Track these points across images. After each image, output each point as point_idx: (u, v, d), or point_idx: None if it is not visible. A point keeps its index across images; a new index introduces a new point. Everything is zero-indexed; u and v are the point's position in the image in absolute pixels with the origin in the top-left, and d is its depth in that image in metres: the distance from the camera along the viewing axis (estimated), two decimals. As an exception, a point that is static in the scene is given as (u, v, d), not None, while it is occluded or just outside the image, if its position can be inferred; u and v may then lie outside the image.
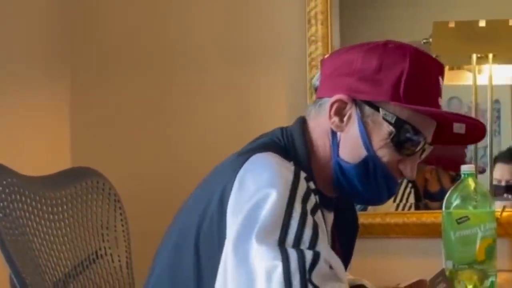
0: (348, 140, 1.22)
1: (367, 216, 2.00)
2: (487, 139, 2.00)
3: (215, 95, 2.13)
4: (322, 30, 2.03)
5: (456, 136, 1.27)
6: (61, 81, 2.18)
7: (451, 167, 2.04)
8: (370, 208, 2.04)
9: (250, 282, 1.02)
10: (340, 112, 1.22)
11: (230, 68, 2.12)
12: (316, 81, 1.30)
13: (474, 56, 1.99)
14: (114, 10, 2.21)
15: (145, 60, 2.18)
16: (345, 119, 1.22)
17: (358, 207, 2.03)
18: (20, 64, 1.99)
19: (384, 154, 1.21)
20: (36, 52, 2.06)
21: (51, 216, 1.46)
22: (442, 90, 1.25)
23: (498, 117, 2.05)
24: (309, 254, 1.02)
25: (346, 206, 1.36)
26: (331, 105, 1.22)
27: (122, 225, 1.63)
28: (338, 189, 1.26)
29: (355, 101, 1.21)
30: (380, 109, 1.20)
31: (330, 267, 1.04)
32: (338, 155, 1.23)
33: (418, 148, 1.23)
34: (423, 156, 1.27)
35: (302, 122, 1.27)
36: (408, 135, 1.21)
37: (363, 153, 1.21)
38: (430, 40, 1.99)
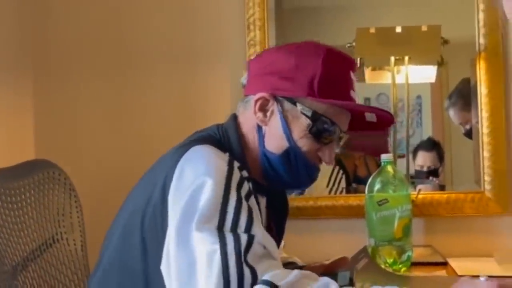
0: (272, 133, 1.23)
1: (300, 199, 2.00)
2: (408, 130, 2.03)
3: (164, 93, 2.10)
4: (260, 35, 2.02)
5: (370, 124, 1.29)
6: (24, 80, 2.13)
7: (375, 154, 2.05)
8: (306, 191, 2.04)
9: (192, 265, 1.01)
10: (263, 108, 1.22)
11: (178, 68, 2.10)
12: (243, 80, 1.29)
13: (392, 58, 2.01)
14: (72, 14, 2.15)
15: (101, 60, 2.14)
16: (268, 114, 1.22)
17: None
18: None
19: (304, 144, 1.22)
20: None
21: (10, 205, 1.43)
22: (355, 84, 1.25)
23: (420, 111, 2.07)
24: (244, 237, 1.01)
25: (278, 192, 1.36)
26: (255, 102, 1.22)
27: (77, 212, 1.61)
28: (266, 177, 1.25)
29: (276, 98, 1.22)
30: (298, 104, 1.21)
31: (264, 247, 1.04)
32: (264, 147, 1.24)
33: (334, 137, 1.24)
34: (341, 143, 1.29)
35: (234, 118, 1.27)
36: (324, 126, 1.22)
37: (285, 144, 1.22)
38: (354, 44, 1.99)
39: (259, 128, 1.23)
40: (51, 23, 2.16)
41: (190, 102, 2.09)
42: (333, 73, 1.21)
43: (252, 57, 1.33)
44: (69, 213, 1.58)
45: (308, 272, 1.02)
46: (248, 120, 1.25)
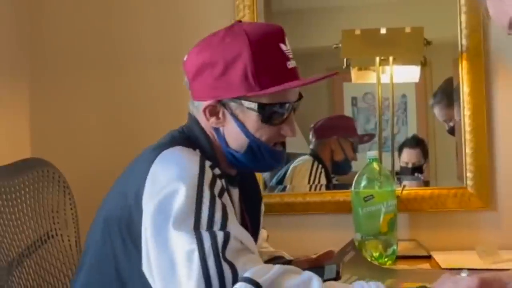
0: (230, 132, 1.22)
1: (289, 196, 2.00)
2: (393, 128, 2.04)
3: (154, 93, 2.10)
4: (249, 36, 2.02)
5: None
6: (20, 80, 2.11)
7: (347, 134, 2.08)
8: (290, 189, 2.06)
9: (172, 266, 1.00)
10: (213, 113, 1.21)
11: (167, 69, 2.08)
12: (186, 83, 1.28)
13: (378, 59, 2.00)
14: (67, 17, 2.14)
15: (95, 61, 2.13)
16: (220, 116, 1.21)
17: (278, 187, 2.06)
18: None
19: (262, 134, 1.21)
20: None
21: (5, 203, 1.42)
22: (289, 51, 1.20)
23: (405, 109, 2.07)
24: (220, 235, 1.01)
25: (249, 181, 1.35)
26: (204, 111, 1.21)
27: (71, 209, 1.61)
28: (235, 168, 1.26)
29: (221, 102, 1.20)
30: (243, 102, 1.18)
31: (241, 242, 1.03)
32: (228, 146, 1.23)
33: (287, 113, 1.21)
34: (297, 110, 1.25)
35: (194, 118, 1.26)
36: (273, 112, 1.19)
37: (245, 140, 1.21)
38: (340, 45, 1.99)
39: (217, 129, 1.22)
40: (46, 26, 2.15)
41: (179, 101, 2.06)
42: (263, 56, 1.16)
43: (185, 57, 1.27)
44: (63, 210, 1.57)
45: (290, 266, 1.02)
46: (205, 122, 1.23)
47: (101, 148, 2.10)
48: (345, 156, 2.05)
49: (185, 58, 1.26)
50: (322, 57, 2.06)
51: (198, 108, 1.23)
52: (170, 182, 1.06)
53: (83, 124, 2.12)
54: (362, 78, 2.10)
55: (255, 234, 1.33)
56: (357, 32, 2.00)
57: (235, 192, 1.24)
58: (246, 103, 1.18)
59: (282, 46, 1.19)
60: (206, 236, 1.00)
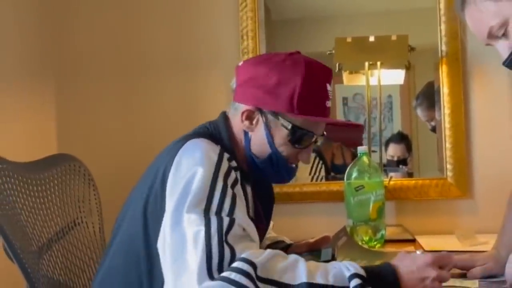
0: (256, 139, 1.22)
1: (288, 186, 1.98)
2: (381, 125, 2.04)
3: (168, 94, 2.10)
4: (252, 44, 2.02)
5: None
6: (46, 85, 2.11)
7: (351, 145, 2.05)
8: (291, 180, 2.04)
9: (182, 243, 1.00)
10: (249, 118, 1.21)
11: (180, 73, 2.09)
12: (233, 85, 1.27)
13: (367, 63, 2.00)
14: (89, 26, 2.15)
15: (115, 66, 2.13)
16: (253, 122, 1.21)
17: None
18: (12, 71, 1.91)
19: (283, 150, 1.22)
20: (24, 61, 1.98)
21: (36, 194, 1.42)
22: (330, 93, 1.23)
23: (391, 108, 2.07)
24: (226, 220, 1.01)
25: (264, 181, 1.34)
26: (242, 113, 1.21)
27: (95, 199, 1.60)
28: (252, 170, 1.25)
29: (260, 110, 1.20)
30: (279, 118, 1.20)
31: (244, 230, 1.03)
32: (250, 150, 1.23)
33: (310, 142, 1.23)
34: (318, 143, 1.29)
35: (225, 117, 1.26)
36: (302, 136, 1.21)
37: (268, 150, 1.22)
38: (333, 51, 1.99)
39: (246, 133, 1.23)
40: (70, 34, 2.15)
41: (190, 102, 2.08)
42: (311, 89, 1.18)
43: (240, 63, 1.28)
44: (88, 199, 1.57)
45: (278, 251, 1.02)
46: (237, 123, 1.23)
47: (121, 144, 2.10)
48: (344, 162, 2.04)
49: (240, 64, 1.27)
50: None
51: (237, 109, 1.23)
52: (191, 167, 1.06)
53: (104, 123, 2.12)
54: (352, 80, 2.10)
55: (266, 227, 1.35)
56: (349, 39, 2.00)
57: (249, 188, 1.24)
58: (282, 120, 1.19)
59: (328, 86, 1.22)
60: (213, 220, 1.00)
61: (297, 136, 1.20)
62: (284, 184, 1.99)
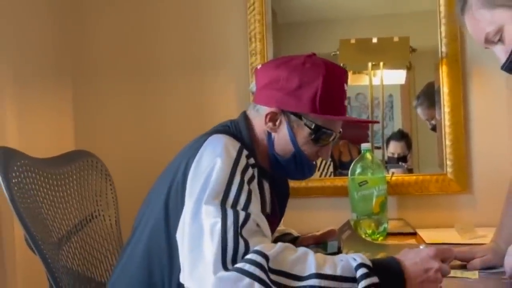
0: (280, 139, 1.23)
1: (295, 182, 1.96)
2: (383, 123, 2.03)
3: (180, 94, 2.10)
4: (260, 45, 2.02)
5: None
6: (65, 86, 2.12)
7: (357, 142, 2.04)
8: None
9: (199, 234, 1.00)
10: (273, 120, 1.22)
11: (191, 74, 2.09)
12: (252, 88, 1.28)
13: (370, 64, 2.00)
14: (104, 30, 2.15)
15: (128, 68, 2.13)
16: (277, 124, 1.22)
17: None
18: (32, 74, 1.92)
19: (306, 148, 1.23)
20: (43, 64, 1.99)
21: (56, 188, 1.42)
22: (347, 93, 1.24)
23: (392, 107, 2.07)
24: (242, 214, 1.01)
25: (281, 179, 1.35)
26: (266, 115, 1.22)
27: (112, 193, 1.60)
28: (273, 168, 1.26)
29: (283, 112, 1.21)
30: (302, 118, 1.21)
31: (258, 225, 1.03)
32: (273, 150, 1.23)
33: (330, 140, 1.25)
34: (335, 141, 1.29)
35: (245, 116, 1.27)
36: (323, 134, 1.22)
37: (291, 148, 1.23)
38: (338, 52, 1.99)
39: (269, 133, 1.23)
40: (86, 38, 2.16)
41: (200, 101, 2.09)
42: (331, 89, 1.20)
43: (258, 66, 1.28)
44: (105, 194, 1.57)
45: (289, 244, 1.02)
46: (259, 125, 1.24)
47: (134, 141, 2.11)
48: (351, 158, 2.03)
49: (258, 67, 1.27)
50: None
51: (259, 112, 1.23)
52: (211, 161, 1.07)
53: (119, 121, 2.13)
54: (356, 80, 2.09)
55: (279, 222, 1.35)
56: (352, 41, 2.00)
57: (266, 184, 1.24)
58: (304, 120, 1.20)
59: (345, 85, 1.23)
60: (230, 213, 1.00)
61: (319, 135, 1.21)
62: (295, 180, 2.02)
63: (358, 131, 2.01)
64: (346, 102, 1.24)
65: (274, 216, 1.24)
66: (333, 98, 1.21)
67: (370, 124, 2.01)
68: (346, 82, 1.24)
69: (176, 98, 2.10)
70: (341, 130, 1.27)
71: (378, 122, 1.32)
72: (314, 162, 1.27)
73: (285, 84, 1.19)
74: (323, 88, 1.18)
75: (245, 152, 1.12)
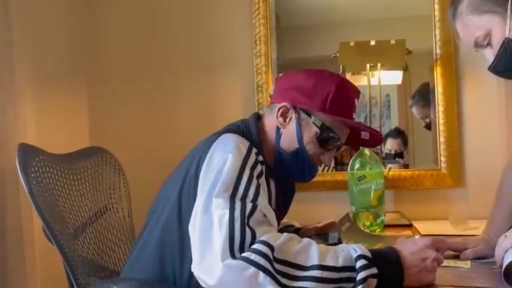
0: (287, 135, 1.23)
1: (297, 176, 1.99)
2: (380, 121, 2.03)
3: (189, 94, 2.10)
4: (264, 48, 2.01)
5: (364, 141, 1.31)
6: (80, 86, 2.13)
7: (357, 148, 2.05)
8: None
9: (209, 225, 1.00)
10: (284, 115, 1.23)
11: (199, 75, 2.10)
12: (271, 92, 1.30)
13: (368, 65, 1.99)
14: (118, 33, 2.16)
15: (141, 69, 2.14)
16: (287, 119, 1.23)
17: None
18: (50, 74, 1.93)
19: (310, 148, 1.23)
20: (60, 65, 2.00)
21: (72, 182, 1.42)
22: (357, 108, 1.26)
23: (389, 106, 2.06)
24: (249, 206, 1.01)
25: (287, 177, 1.34)
26: (278, 109, 1.23)
27: (124, 187, 1.60)
28: (276, 166, 1.25)
29: (295, 108, 1.22)
30: (312, 116, 1.21)
31: (264, 215, 1.03)
32: (279, 145, 1.24)
33: (334, 145, 1.25)
34: (338, 152, 1.30)
35: (256, 117, 1.28)
36: (329, 135, 1.22)
37: (296, 145, 1.22)
38: (338, 54, 1.98)
39: (278, 129, 1.24)
40: (100, 40, 2.17)
41: (208, 101, 2.09)
42: (343, 96, 1.21)
43: (280, 74, 1.32)
44: (118, 187, 1.57)
45: (294, 235, 1.01)
46: (271, 122, 1.25)
47: (146, 138, 2.11)
48: (351, 157, 2.02)
49: (279, 75, 1.29)
50: (322, 65, 2.04)
51: (273, 109, 1.25)
52: (222, 156, 1.07)
53: (132, 119, 2.13)
54: (355, 81, 2.08)
55: (283, 216, 1.35)
56: (352, 43, 1.99)
57: (272, 182, 1.24)
58: (313, 118, 1.21)
59: (356, 100, 1.25)
60: (238, 205, 1.00)
61: (325, 136, 1.22)
62: (297, 181, 2.01)
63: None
64: (354, 115, 1.24)
65: (278, 212, 1.23)
66: (343, 104, 1.22)
67: (367, 123, 2.00)
68: (358, 98, 1.25)
69: (186, 97, 2.10)
70: (345, 144, 1.27)
71: (381, 136, 1.31)
72: (315, 166, 1.26)
73: (301, 84, 1.22)
74: (336, 92, 1.20)
75: (254, 150, 1.12)
